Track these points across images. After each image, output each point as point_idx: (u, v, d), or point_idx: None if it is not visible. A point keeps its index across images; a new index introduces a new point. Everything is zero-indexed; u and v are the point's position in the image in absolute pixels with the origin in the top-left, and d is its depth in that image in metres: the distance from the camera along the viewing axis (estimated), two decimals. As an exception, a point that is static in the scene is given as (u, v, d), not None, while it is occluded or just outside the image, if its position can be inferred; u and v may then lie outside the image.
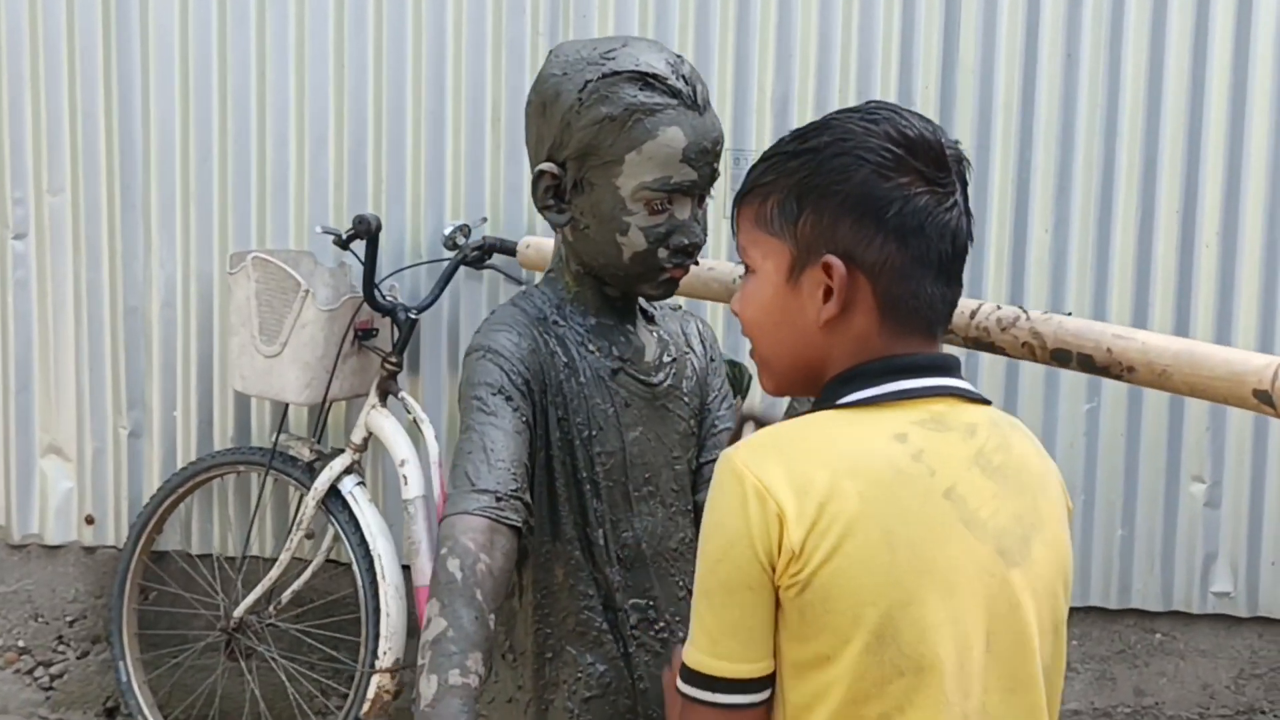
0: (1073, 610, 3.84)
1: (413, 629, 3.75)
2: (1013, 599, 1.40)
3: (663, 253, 1.74)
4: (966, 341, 1.81)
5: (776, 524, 1.34)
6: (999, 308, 1.79)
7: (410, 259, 3.91)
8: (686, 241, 1.74)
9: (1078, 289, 3.71)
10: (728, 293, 2.04)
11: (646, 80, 1.70)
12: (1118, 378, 1.68)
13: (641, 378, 1.81)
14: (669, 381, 1.84)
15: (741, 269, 2.04)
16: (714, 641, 1.38)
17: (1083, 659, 3.88)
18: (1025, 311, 1.75)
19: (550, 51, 1.79)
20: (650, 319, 1.88)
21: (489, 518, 1.59)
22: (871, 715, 1.36)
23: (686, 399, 1.86)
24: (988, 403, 1.48)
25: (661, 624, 1.80)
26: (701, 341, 1.92)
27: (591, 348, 1.79)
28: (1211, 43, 3.63)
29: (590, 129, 1.71)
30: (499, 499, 1.61)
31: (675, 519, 1.83)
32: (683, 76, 1.72)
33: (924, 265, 1.43)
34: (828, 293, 1.43)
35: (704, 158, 1.73)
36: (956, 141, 1.47)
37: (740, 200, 1.52)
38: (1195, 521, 3.77)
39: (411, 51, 3.89)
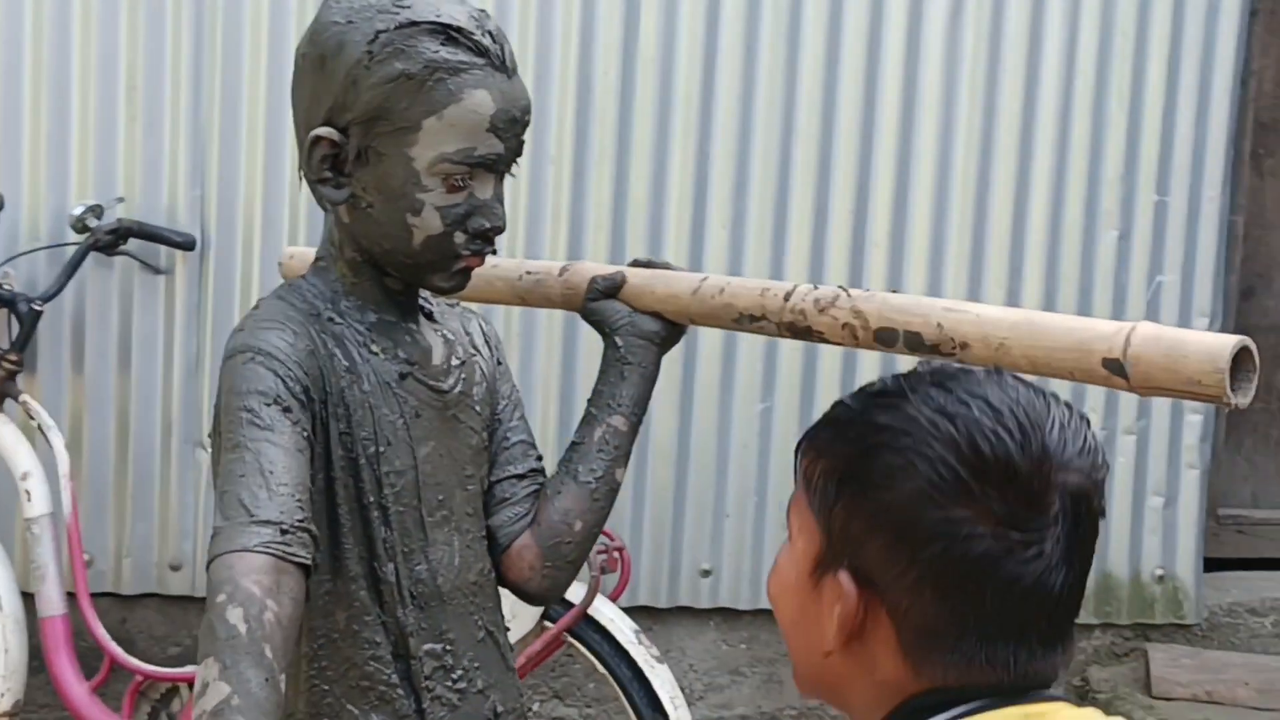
0: (741, 613, 3.82)
1: (35, 665, 3.28)
2: None
3: (460, 237, 1.49)
4: (781, 328, 1.62)
5: None
6: (815, 287, 1.60)
7: (28, 242, 3.43)
8: (487, 225, 1.50)
9: (755, 287, 3.65)
10: (513, 294, 1.78)
11: (449, 34, 1.45)
12: (949, 355, 1.50)
13: (431, 384, 1.55)
14: (459, 388, 1.59)
15: (531, 266, 1.80)
16: None
17: (751, 663, 3.83)
18: (845, 289, 1.57)
19: None
20: (430, 316, 1.62)
21: (274, 555, 1.30)
22: None
23: (478, 408, 1.61)
24: None
25: (460, 672, 1.54)
26: (487, 342, 1.68)
27: (375, 349, 1.52)
28: (885, 37, 3.64)
29: (382, 88, 1.44)
30: (284, 531, 1.32)
31: (472, 547, 1.58)
32: (489, 33, 1.48)
33: (970, 627, 1.06)
34: (832, 601, 1.10)
35: (512, 128, 1.49)
36: (1089, 464, 1.08)
37: (801, 448, 1.16)
38: (862, 521, 3.78)
39: (31, 6, 3.42)
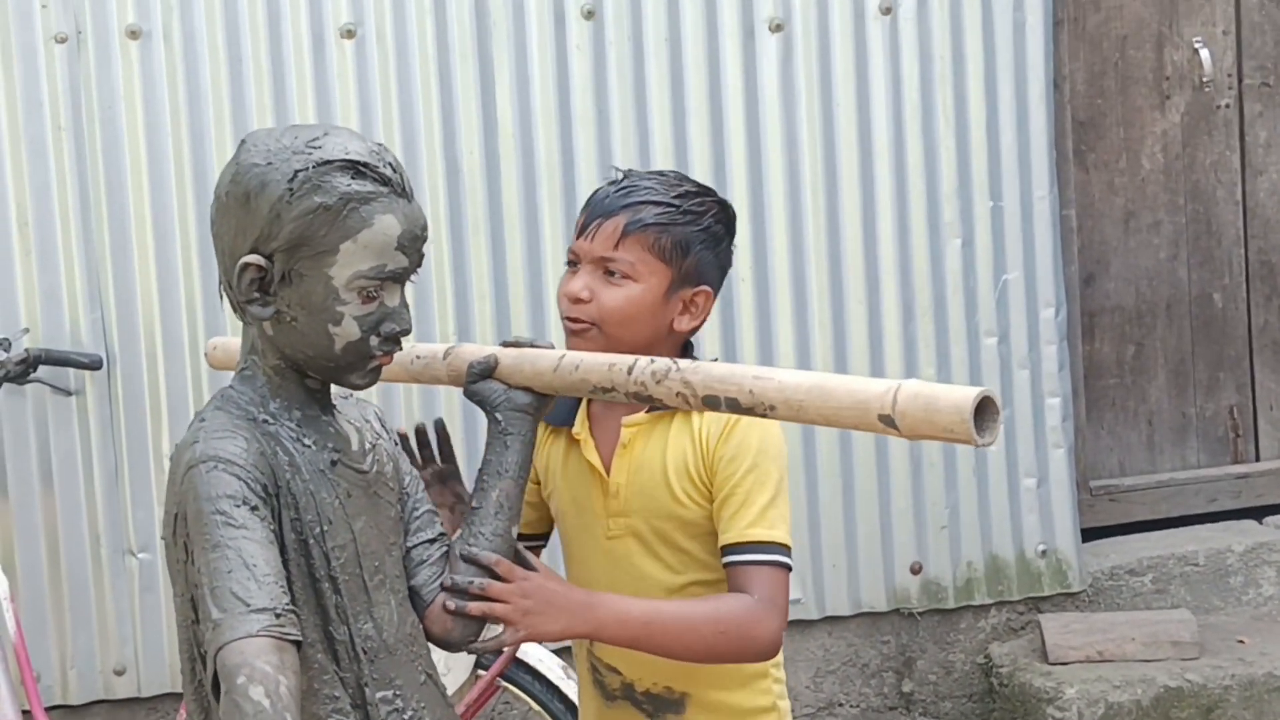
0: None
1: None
2: None
3: (374, 340, 1.75)
4: (629, 396, 1.88)
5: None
6: (652, 361, 1.87)
7: (-60, 382, 3.58)
8: (397, 329, 1.76)
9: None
10: (407, 374, 2.05)
11: (358, 169, 1.70)
12: (763, 415, 1.78)
13: (355, 467, 1.79)
14: (375, 468, 1.83)
15: (420, 350, 2.06)
16: (785, 521, 2.01)
17: (679, 685, 4.05)
18: (675, 363, 1.84)
19: (242, 141, 1.75)
20: (335, 409, 1.85)
21: (274, 636, 1.54)
22: None
23: (390, 484, 1.85)
24: None
25: (410, 713, 1.77)
26: (384, 426, 1.91)
27: (307, 442, 1.75)
28: (724, 85, 3.92)
29: (304, 219, 1.68)
30: (278, 615, 1.56)
31: (404, 604, 1.82)
32: (389, 164, 1.73)
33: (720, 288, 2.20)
34: (685, 308, 2.09)
35: (415, 244, 1.75)
36: None
37: (635, 229, 2.06)
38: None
39: (-85, 157, 3.58)
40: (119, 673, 3.74)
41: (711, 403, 1.80)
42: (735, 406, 1.78)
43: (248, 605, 1.54)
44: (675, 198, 2.07)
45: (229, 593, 1.55)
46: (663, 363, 1.85)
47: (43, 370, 3.55)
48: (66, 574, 3.69)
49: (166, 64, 3.65)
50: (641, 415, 2.11)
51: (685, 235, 2.06)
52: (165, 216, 3.66)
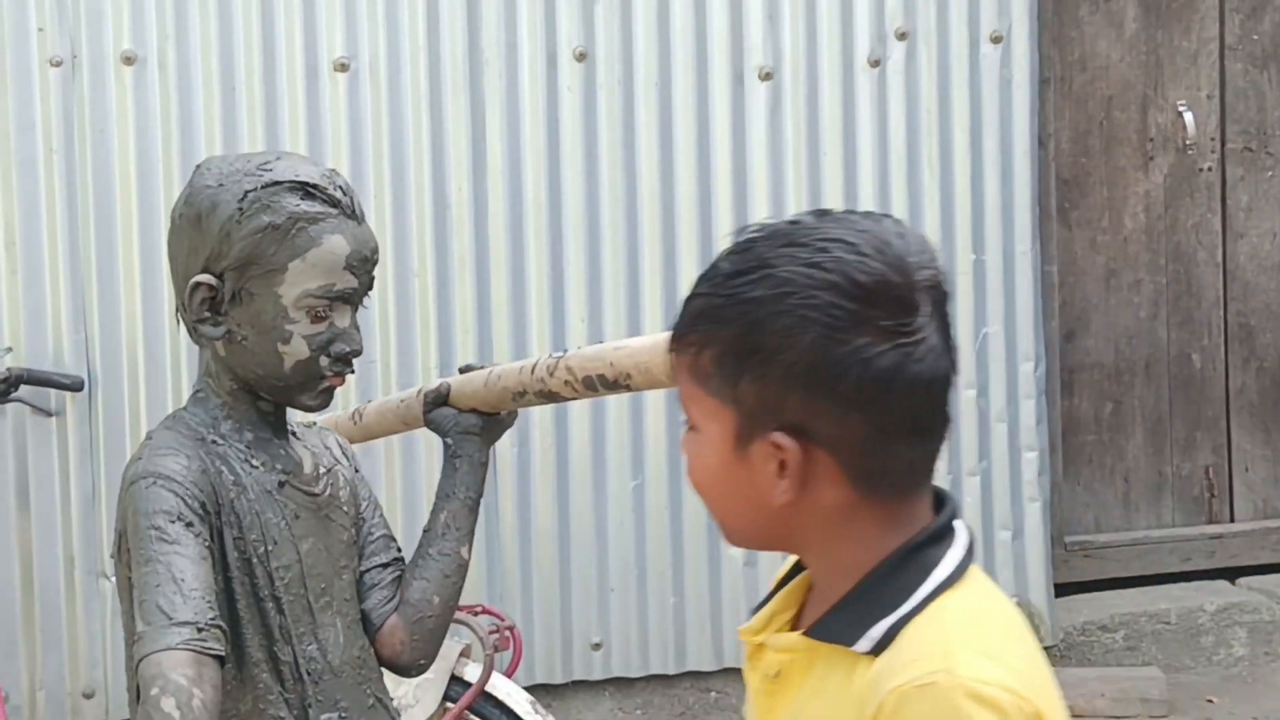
0: (634, 681, 4.05)
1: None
2: None
3: (324, 360, 1.76)
4: (539, 397, 1.86)
5: None
6: (550, 355, 1.86)
7: (-79, 398, 3.59)
8: (347, 349, 1.77)
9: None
10: (413, 415, 2.04)
11: (307, 190, 1.72)
12: (626, 389, 1.75)
13: (305, 489, 1.81)
14: (328, 492, 1.84)
15: (402, 395, 2.05)
16: None
17: (648, 726, 4.06)
18: (565, 351, 1.85)
19: (198, 166, 1.77)
20: (294, 434, 1.87)
21: (194, 650, 1.55)
22: None
23: (345, 508, 1.87)
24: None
25: None
26: (344, 453, 1.93)
27: (256, 463, 1.77)
28: (713, 132, 3.96)
29: (252, 238, 1.70)
30: (200, 630, 1.57)
31: (352, 627, 1.83)
32: (340, 187, 1.75)
33: (892, 432, 1.21)
34: (782, 466, 1.22)
35: (364, 265, 1.77)
36: (931, 259, 1.23)
37: (675, 342, 1.27)
38: (738, 580, 4.04)
39: (-94, 174, 3.61)
40: (88, 695, 3.73)
41: (589, 384, 1.77)
42: (605, 383, 1.76)
43: (170, 619, 1.56)
44: (728, 276, 1.23)
45: (155, 606, 1.57)
46: (556, 357, 1.82)
47: (24, 390, 3.56)
48: (39, 595, 3.69)
49: (160, 90, 3.69)
50: (795, 637, 1.29)
51: (726, 347, 1.23)
52: (152, 242, 3.68)
